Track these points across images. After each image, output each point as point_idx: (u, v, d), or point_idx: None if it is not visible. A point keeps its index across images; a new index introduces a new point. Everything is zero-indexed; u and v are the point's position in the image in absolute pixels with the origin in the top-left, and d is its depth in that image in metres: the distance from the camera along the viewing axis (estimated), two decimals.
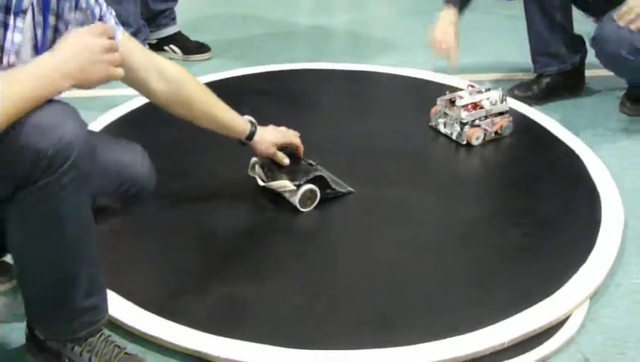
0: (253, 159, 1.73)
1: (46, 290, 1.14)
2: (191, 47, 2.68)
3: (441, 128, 2.02)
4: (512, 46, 2.66)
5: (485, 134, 1.97)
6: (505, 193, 1.76)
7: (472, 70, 2.48)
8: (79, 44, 1.05)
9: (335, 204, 1.70)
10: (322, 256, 1.54)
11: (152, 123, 2.05)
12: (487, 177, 1.84)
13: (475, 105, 1.97)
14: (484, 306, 1.39)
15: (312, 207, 1.67)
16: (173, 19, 2.69)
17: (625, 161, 1.95)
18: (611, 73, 2.15)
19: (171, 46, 2.68)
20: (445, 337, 1.30)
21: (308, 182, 1.65)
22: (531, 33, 2.24)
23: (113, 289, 1.40)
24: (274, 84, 2.34)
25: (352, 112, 2.16)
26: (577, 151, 1.94)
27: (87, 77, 1.06)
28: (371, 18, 3.14)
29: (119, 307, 1.36)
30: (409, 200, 1.72)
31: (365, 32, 2.95)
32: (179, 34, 2.70)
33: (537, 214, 1.68)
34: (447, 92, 2.02)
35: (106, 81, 1.09)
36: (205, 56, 2.68)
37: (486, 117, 1.97)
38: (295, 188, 1.64)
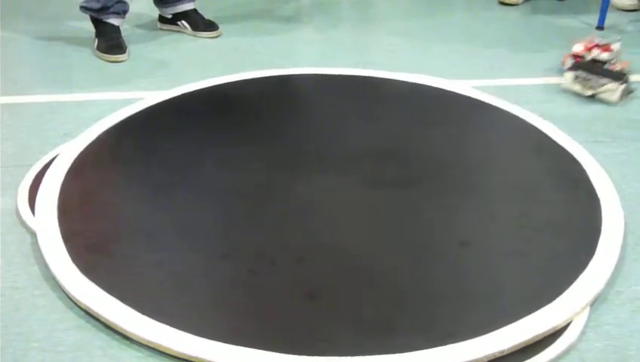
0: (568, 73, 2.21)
1: None
2: (200, 24, 2.85)
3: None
4: (515, 51, 2.65)
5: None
6: (505, 198, 1.76)
7: (474, 76, 2.48)
8: None
9: (337, 206, 1.69)
10: (321, 258, 1.53)
11: (149, 128, 2.05)
12: (487, 182, 1.83)
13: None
14: (483, 312, 1.38)
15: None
16: None
17: (625, 167, 1.94)
18: None
19: (183, 22, 2.86)
20: (444, 344, 1.29)
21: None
22: None
23: (112, 294, 1.40)
24: (276, 88, 2.33)
25: (353, 117, 2.15)
26: (577, 157, 1.93)
27: None
28: (374, 22, 3.13)
29: (117, 311, 1.36)
30: (409, 204, 1.72)
31: (367, 37, 2.94)
32: (193, 11, 2.86)
33: (537, 220, 1.67)
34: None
35: None
36: (213, 34, 2.84)
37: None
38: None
